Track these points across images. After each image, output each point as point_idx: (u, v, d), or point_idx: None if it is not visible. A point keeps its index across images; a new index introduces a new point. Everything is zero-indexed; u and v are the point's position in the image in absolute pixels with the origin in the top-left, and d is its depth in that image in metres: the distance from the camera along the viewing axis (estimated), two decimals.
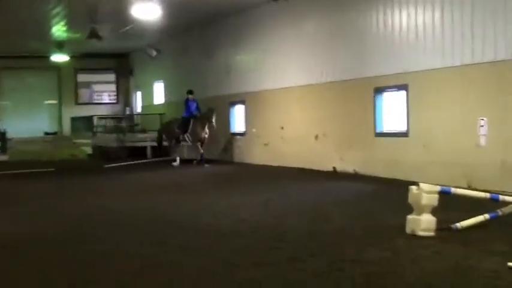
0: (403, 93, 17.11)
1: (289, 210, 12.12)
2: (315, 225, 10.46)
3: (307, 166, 20.52)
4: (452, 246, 8.46)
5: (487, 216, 9.78)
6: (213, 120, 23.36)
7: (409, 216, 9.40)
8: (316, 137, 20.49)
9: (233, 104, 26.03)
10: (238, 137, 25.57)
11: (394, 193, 13.79)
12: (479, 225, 9.66)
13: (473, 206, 10.67)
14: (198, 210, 12.39)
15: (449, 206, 10.34)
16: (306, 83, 21.08)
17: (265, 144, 22.55)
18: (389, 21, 17.41)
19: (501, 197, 9.91)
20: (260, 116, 23.49)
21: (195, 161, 23.67)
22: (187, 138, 23.88)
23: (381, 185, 15.76)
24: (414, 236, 9.12)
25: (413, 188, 9.34)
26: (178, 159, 23.75)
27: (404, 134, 16.97)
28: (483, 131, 14.31)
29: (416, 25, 16.43)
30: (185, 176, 20.15)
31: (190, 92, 24.08)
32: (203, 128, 23.30)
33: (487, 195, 9.87)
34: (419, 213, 9.25)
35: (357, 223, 10.54)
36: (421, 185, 9.28)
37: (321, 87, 20.39)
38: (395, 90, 17.64)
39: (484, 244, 8.50)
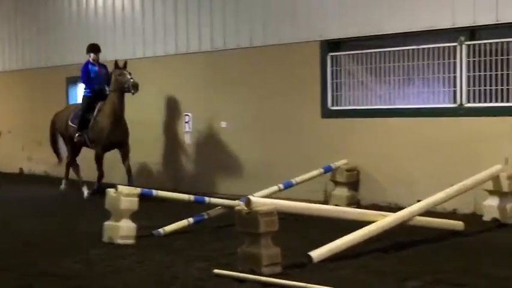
0: None
1: None
2: None
3: None
4: (155, 254, 8.50)
5: (191, 220, 10.03)
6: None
7: (107, 223, 9.29)
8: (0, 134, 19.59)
9: None
10: None
11: (93, 197, 13.64)
12: (183, 230, 9.86)
13: (178, 209, 10.90)
14: None
15: (152, 210, 10.45)
16: None
17: None
18: (84, 5, 17.22)
19: (207, 199, 10.23)
20: None
21: (86, 191, 14.31)
22: (86, 140, 14.27)
23: (77, 188, 15.48)
24: (112, 245, 9.02)
25: (111, 190, 9.24)
26: (85, 188, 14.33)
27: None
28: (188, 127, 14.73)
29: (114, 10, 16.42)
30: None
31: (92, 48, 14.59)
32: (118, 121, 13.75)
33: (191, 197, 10.11)
34: (118, 219, 9.17)
35: (48, 232, 10.20)
36: (120, 187, 9.23)
37: (4, 76, 19.53)
38: None
39: (188, 250, 8.67)
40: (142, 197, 9.41)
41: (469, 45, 10.88)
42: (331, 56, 12.51)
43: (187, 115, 14.68)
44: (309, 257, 7.59)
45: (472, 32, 10.93)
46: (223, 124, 14.10)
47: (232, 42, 13.98)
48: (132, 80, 13.26)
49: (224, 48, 14.08)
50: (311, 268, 7.45)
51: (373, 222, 8.46)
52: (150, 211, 10.24)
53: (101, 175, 13.97)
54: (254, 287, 6.89)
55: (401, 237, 8.80)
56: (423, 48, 11.41)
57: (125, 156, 13.76)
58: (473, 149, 10.75)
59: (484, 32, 10.88)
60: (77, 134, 14.19)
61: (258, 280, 6.98)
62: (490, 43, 10.72)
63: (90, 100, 14.16)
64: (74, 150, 14.97)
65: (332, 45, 12.55)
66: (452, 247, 8.63)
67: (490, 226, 9.88)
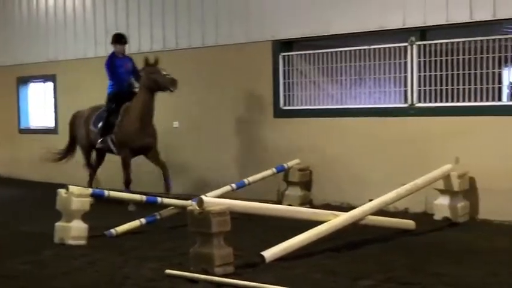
0: (51, 84, 16.85)
1: None
2: None
3: None
4: (107, 254, 8.40)
5: (143, 220, 9.93)
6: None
7: (58, 224, 9.14)
8: None
9: None
10: None
11: (42, 198, 13.45)
12: (135, 230, 9.76)
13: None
14: None
15: (104, 210, 10.33)
16: None
17: None
18: (34, 4, 16.99)
19: (159, 199, 10.14)
20: None
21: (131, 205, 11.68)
22: (111, 144, 12.56)
23: (28, 189, 15.30)
24: (64, 246, 8.89)
25: (62, 191, 9.08)
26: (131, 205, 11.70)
27: (53, 131, 16.68)
28: None
29: (65, 10, 16.23)
30: None
31: (117, 38, 12.96)
32: (147, 124, 12.27)
33: (143, 197, 10.02)
34: (69, 220, 9.03)
35: None
36: (71, 187, 9.07)
37: None
38: (41, 81, 17.29)
39: (140, 251, 8.58)
40: (93, 198, 9.31)
41: (419, 46, 10.96)
42: (283, 56, 12.50)
43: None
44: (262, 256, 7.56)
45: (423, 33, 11.02)
46: (175, 124, 14.00)
47: (184, 42, 13.90)
48: (169, 77, 11.75)
49: (176, 48, 13.99)
50: (264, 268, 7.42)
51: (326, 221, 8.46)
52: (102, 211, 10.10)
53: (128, 180, 12.23)
54: (207, 287, 6.83)
55: (354, 237, 8.83)
56: (374, 48, 11.47)
57: (156, 158, 12.33)
58: (424, 148, 10.84)
59: (435, 32, 10.98)
60: (99, 141, 12.54)
61: (210, 280, 6.93)
62: (441, 43, 10.82)
63: (117, 98, 12.51)
64: (98, 158, 13.34)
65: (284, 45, 12.55)
66: (404, 246, 8.68)
67: (441, 225, 9.96)
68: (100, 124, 12.60)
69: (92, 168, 13.36)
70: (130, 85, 12.68)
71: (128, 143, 12.14)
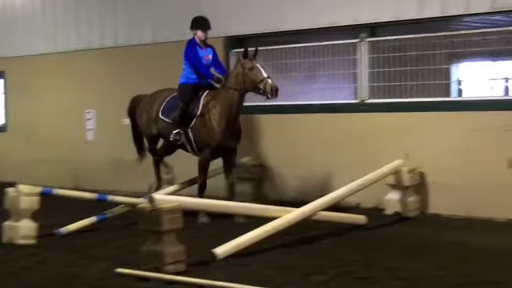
0: (0, 81, 16.59)
1: None
2: None
3: None
4: (57, 253, 8.24)
5: (94, 218, 9.79)
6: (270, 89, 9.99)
7: (6, 223, 8.95)
8: None
9: None
10: None
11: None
12: (85, 229, 9.62)
13: (80, 207, 10.64)
14: None
15: (54, 208, 10.16)
16: None
17: None
18: None
19: (109, 197, 10.00)
20: None
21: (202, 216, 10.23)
22: (184, 141, 10.77)
23: None
24: (13, 245, 8.71)
25: (11, 190, 8.91)
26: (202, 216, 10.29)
27: (2, 129, 16.42)
28: (90, 124, 14.39)
29: (13, 6, 15.96)
30: None
31: (199, 23, 10.79)
32: (234, 121, 10.58)
33: (94, 195, 9.87)
34: (18, 219, 8.85)
35: None
36: (20, 186, 8.90)
37: None
38: None
39: (90, 249, 8.45)
40: (42, 196, 9.12)
41: (370, 42, 10.98)
42: (235, 52, 12.43)
43: (90, 112, 14.35)
44: (214, 253, 7.49)
45: (373, 29, 11.05)
46: (126, 121, 13.82)
47: (136, 38, 13.73)
48: (270, 82, 9.97)
49: (127, 44, 13.81)
50: (216, 265, 7.35)
51: (278, 217, 8.42)
52: (51, 210, 9.92)
53: (203, 185, 10.58)
54: (158, 285, 6.73)
55: (306, 232, 8.82)
56: (326, 45, 11.46)
57: (230, 167, 10.76)
58: (374, 144, 10.87)
59: (385, 29, 11.02)
60: (174, 131, 10.62)
61: (161, 278, 6.82)
62: (391, 40, 10.85)
63: (192, 90, 10.71)
64: (168, 147, 11.51)
65: (236, 42, 12.48)
66: (356, 241, 8.70)
67: (392, 220, 10.02)
68: (174, 114, 10.79)
69: (157, 156, 11.67)
70: (213, 78, 10.76)
71: (210, 141, 10.43)
